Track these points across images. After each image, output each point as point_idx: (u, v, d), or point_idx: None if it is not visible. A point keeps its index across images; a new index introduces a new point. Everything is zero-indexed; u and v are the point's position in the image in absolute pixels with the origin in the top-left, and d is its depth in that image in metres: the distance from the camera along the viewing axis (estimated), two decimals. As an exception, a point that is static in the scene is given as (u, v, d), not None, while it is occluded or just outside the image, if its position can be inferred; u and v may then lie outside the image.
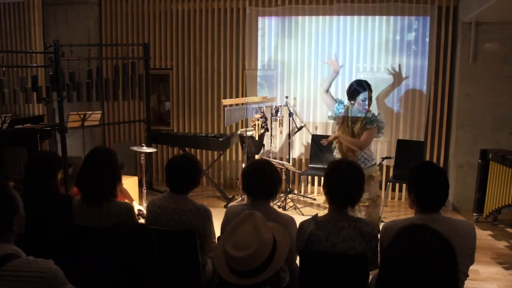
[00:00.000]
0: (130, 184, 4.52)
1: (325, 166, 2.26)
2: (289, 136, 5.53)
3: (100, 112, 5.48)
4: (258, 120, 5.00)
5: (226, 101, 4.83)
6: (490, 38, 4.99)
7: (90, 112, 5.24)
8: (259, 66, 5.91)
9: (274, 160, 5.14)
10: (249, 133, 5.11)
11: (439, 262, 1.30)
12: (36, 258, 1.56)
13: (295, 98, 5.76)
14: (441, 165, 5.41)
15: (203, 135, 5.63)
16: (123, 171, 3.06)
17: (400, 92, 5.54)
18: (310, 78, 5.73)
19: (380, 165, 5.41)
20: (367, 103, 3.62)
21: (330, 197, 2.13)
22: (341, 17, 5.57)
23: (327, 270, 2.06)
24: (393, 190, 5.67)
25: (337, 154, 3.82)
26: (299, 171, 5.55)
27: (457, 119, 5.22)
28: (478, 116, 5.12)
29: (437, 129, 5.50)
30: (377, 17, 5.50)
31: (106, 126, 6.33)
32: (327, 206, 2.17)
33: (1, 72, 4.96)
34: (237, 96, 5.89)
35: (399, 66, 5.44)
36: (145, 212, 2.90)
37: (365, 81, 3.67)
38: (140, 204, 4.16)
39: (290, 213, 4.70)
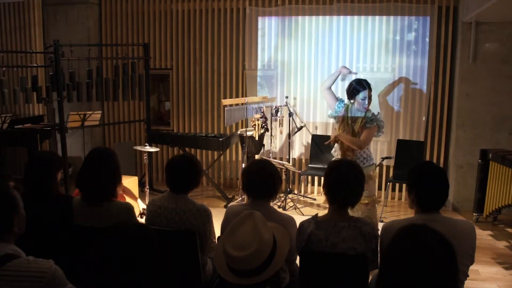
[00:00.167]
0: (130, 184, 4.52)
1: (325, 166, 2.26)
2: (289, 136, 5.53)
3: (100, 112, 5.48)
4: (258, 120, 5.00)
5: (226, 101, 4.83)
6: (490, 38, 4.99)
7: (90, 112, 5.24)
8: (259, 66, 5.91)
9: (274, 160, 5.14)
10: (249, 133, 5.11)
11: (439, 262, 1.30)
12: (36, 258, 1.56)
13: (295, 98, 5.76)
14: (441, 165, 5.42)
15: (203, 135, 5.63)
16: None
17: (400, 92, 5.54)
18: (310, 78, 5.73)
19: (380, 165, 5.42)
20: (366, 102, 3.62)
21: (330, 197, 2.13)
22: (341, 17, 5.57)
23: (327, 270, 2.06)
24: (393, 190, 5.67)
25: (335, 153, 3.82)
26: (299, 171, 5.55)
27: (457, 119, 5.22)
28: (478, 116, 5.12)
29: (437, 129, 5.50)
30: (377, 17, 5.50)
31: (106, 126, 6.33)
32: (327, 206, 2.17)
33: (1, 72, 4.96)
34: (237, 96, 5.90)
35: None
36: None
37: (365, 80, 3.68)
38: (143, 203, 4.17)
39: (290, 213, 4.70)
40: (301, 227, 2.15)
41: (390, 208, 5.31)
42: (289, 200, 5.34)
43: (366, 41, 5.54)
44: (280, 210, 4.23)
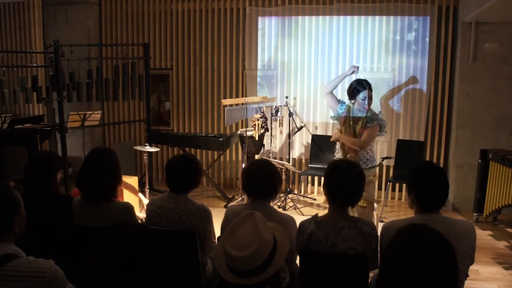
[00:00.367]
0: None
1: (325, 166, 2.26)
2: (289, 136, 5.53)
3: (100, 112, 5.48)
4: (258, 120, 5.00)
5: (226, 101, 4.83)
6: (490, 38, 4.99)
7: (90, 112, 5.24)
8: (259, 66, 5.91)
9: (274, 160, 5.14)
10: (249, 133, 5.11)
11: (439, 262, 1.30)
12: (36, 258, 1.56)
13: (295, 98, 5.76)
14: (441, 165, 5.42)
15: (203, 135, 5.63)
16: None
17: (400, 92, 5.54)
18: (310, 78, 5.73)
19: (380, 165, 5.42)
20: (366, 102, 3.60)
21: (330, 197, 2.13)
22: (341, 17, 5.57)
23: (327, 270, 2.06)
24: (393, 190, 5.67)
25: (338, 154, 3.82)
26: (299, 171, 5.55)
27: (457, 119, 5.22)
28: (478, 116, 5.12)
29: (437, 129, 5.50)
30: (377, 17, 5.50)
31: (106, 126, 6.33)
32: (327, 206, 2.17)
33: (1, 72, 4.97)
34: (237, 96, 5.90)
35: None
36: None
37: (365, 80, 3.67)
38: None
39: (290, 213, 4.70)
40: (301, 227, 2.15)
41: (390, 208, 5.31)
42: (289, 200, 5.34)
43: (366, 41, 5.54)
44: (280, 210, 4.23)
